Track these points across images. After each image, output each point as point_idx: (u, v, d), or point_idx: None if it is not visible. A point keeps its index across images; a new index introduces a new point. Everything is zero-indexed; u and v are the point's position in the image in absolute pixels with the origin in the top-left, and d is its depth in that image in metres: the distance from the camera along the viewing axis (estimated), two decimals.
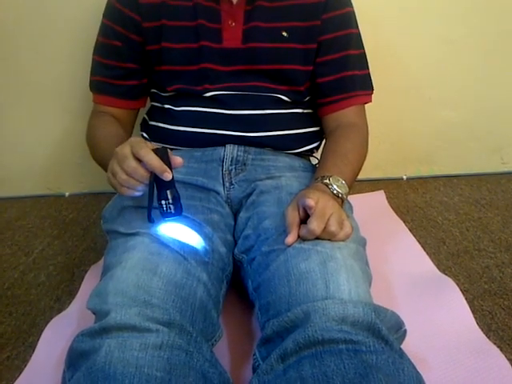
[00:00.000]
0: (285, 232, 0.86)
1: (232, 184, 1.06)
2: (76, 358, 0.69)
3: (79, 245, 1.42)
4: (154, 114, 1.17)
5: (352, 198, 1.06)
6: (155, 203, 0.84)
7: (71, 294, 1.17)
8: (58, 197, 1.77)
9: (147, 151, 0.79)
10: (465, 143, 1.78)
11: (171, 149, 0.85)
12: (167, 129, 1.11)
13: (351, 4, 1.14)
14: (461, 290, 1.09)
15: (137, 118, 1.24)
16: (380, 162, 1.79)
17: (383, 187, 1.71)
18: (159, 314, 0.71)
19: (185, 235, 0.87)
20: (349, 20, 1.13)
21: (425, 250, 1.29)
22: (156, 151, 0.80)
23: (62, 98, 1.63)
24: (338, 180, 0.93)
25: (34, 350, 0.98)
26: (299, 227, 0.84)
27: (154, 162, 0.78)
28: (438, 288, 1.10)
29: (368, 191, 1.68)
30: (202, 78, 1.09)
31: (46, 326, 1.04)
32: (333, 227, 0.81)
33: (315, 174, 1.00)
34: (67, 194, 1.79)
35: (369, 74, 1.17)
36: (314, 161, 1.20)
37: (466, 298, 1.06)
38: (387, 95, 1.58)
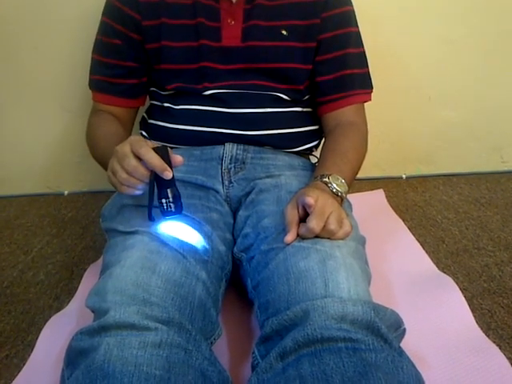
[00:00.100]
0: (284, 230, 0.86)
1: (231, 182, 1.06)
2: (75, 357, 0.69)
3: (78, 243, 1.42)
4: (154, 112, 1.17)
5: (351, 197, 1.06)
6: (155, 202, 0.83)
7: (70, 293, 1.17)
8: (57, 195, 1.77)
9: (147, 150, 0.79)
10: (464, 142, 1.79)
11: (171, 147, 0.84)
12: (166, 127, 1.11)
13: (351, 3, 1.14)
14: (460, 288, 1.09)
15: (136, 116, 1.23)
16: (379, 161, 1.79)
17: (383, 186, 1.71)
18: (158, 313, 0.71)
19: (185, 234, 0.87)
20: (348, 19, 1.13)
21: (424, 248, 1.29)
22: (156, 150, 0.79)
23: (61, 97, 1.63)
24: (338, 179, 0.93)
25: (32, 349, 0.98)
26: (298, 226, 0.84)
27: (155, 160, 0.78)
28: (437, 287, 1.10)
29: (367, 190, 1.69)
30: (201, 77, 1.08)
31: (44, 324, 1.04)
32: (332, 225, 0.81)
33: (314, 173, 1.00)
34: (66, 192, 1.79)
35: (368, 72, 1.17)
36: (314, 159, 1.20)
37: (465, 297, 1.06)
38: (387, 94, 1.58)
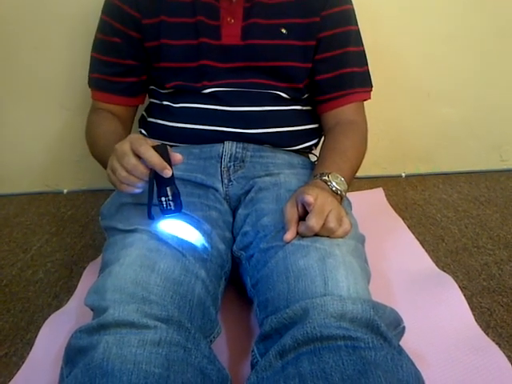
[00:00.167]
0: (283, 229, 0.86)
1: (230, 181, 1.06)
2: (74, 355, 0.69)
3: (77, 242, 1.42)
4: (153, 110, 1.17)
5: (351, 196, 1.06)
6: (155, 200, 0.83)
7: (69, 291, 1.17)
8: (57, 194, 1.77)
9: (147, 148, 0.78)
10: (464, 141, 1.79)
11: (170, 145, 0.84)
12: (166, 125, 1.11)
13: (351, 1, 1.14)
14: (459, 286, 1.09)
15: (136, 114, 1.23)
16: (379, 160, 1.79)
17: (382, 184, 1.71)
18: (157, 311, 0.71)
19: (185, 232, 0.87)
20: (348, 17, 1.13)
21: (423, 247, 1.29)
22: (156, 148, 0.79)
23: (60, 95, 1.63)
24: (337, 177, 0.93)
25: (31, 347, 0.98)
26: (298, 224, 0.84)
27: (154, 158, 0.78)
28: (436, 285, 1.10)
29: (367, 188, 1.69)
30: (200, 75, 1.08)
31: (43, 322, 1.04)
32: (332, 224, 0.81)
33: (314, 171, 1.00)
34: (65, 191, 1.79)
35: (368, 71, 1.17)
36: (313, 158, 1.20)
37: (464, 295, 1.06)
38: (386, 92, 1.58)
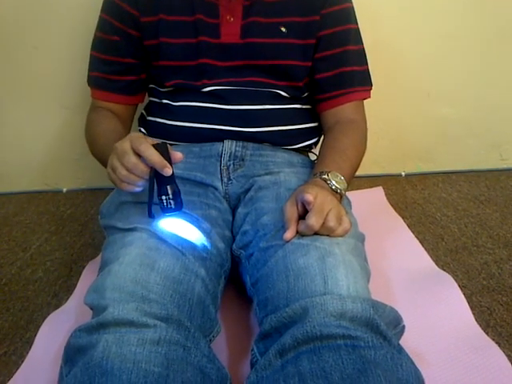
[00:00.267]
0: (283, 228, 0.86)
1: (230, 179, 1.06)
2: (73, 354, 0.69)
3: (77, 240, 1.42)
4: (152, 109, 1.17)
5: (351, 195, 1.06)
6: (155, 199, 0.83)
7: (69, 290, 1.17)
8: (56, 192, 1.77)
9: (147, 146, 0.78)
10: (464, 140, 1.78)
11: (169, 144, 0.84)
12: (165, 124, 1.11)
13: (350, 0, 1.14)
14: (459, 285, 1.09)
15: (135, 113, 1.23)
16: (379, 158, 1.79)
17: (382, 183, 1.71)
18: (157, 310, 0.71)
19: (185, 231, 0.87)
20: (348, 15, 1.13)
21: (423, 246, 1.29)
22: (156, 146, 0.79)
23: (60, 94, 1.62)
24: (337, 176, 0.93)
25: (31, 346, 0.98)
26: (298, 223, 0.84)
27: (154, 157, 0.78)
28: (436, 284, 1.10)
29: (367, 187, 1.69)
30: (200, 74, 1.08)
31: (43, 321, 1.04)
32: (331, 222, 0.81)
33: (314, 170, 1.00)
34: (65, 189, 1.79)
35: (368, 69, 1.17)
36: (313, 156, 1.20)
37: (464, 294, 1.06)
38: (386, 91, 1.58)
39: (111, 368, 0.61)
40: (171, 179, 0.82)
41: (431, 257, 1.24)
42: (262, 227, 0.92)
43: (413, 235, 1.34)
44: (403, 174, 1.82)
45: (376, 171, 1.81)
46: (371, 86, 1.17)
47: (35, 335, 1.00)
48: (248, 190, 1.04)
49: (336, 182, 0.92)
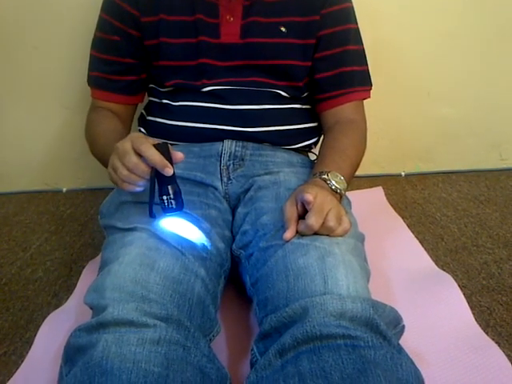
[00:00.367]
0: (283, 227, 0.86)
1: (230, 179, 1.06)
2: (73, 354, 0.69)
3: (77, 240, 1.42)
4: (152, 109, 1.17)
5: (350, 194, 1.06)
6: (156, 199, 0.83)
7: (69, 290, 1.17)
8: (56, 192, 1.77)
9: (148, 146, 0.78)
10: (463, 139, 1.78)
11: (169, 144, 0.84)
12: (165, 124, 1.11)
13: (350, 0, 1.14)
14: (459, 285, 1.09)
15: (135, 113, 1.23)
16: (378, 158, 1.79)
17: (382, 183, 1.71)
18: (157, 309, 0.71)
19: (186, 230, 0.87)
20: (348, 15, 1.13)
21: (423, 245, 1.29)
22: (157, 146, 0.79)
23: (60, 94, 1.62)
24: (337, 176, 0.93)
25: (31, 346, 0.98)
26: (297, 222, 0.84)
27: (155, 157, 0.78)
28: (436, 284, 1.10)
29: (366, 187, 1.68)
30: (200, 73, 1.08)
31: (43, 321, 1.04)
32: (331, 222, 0.81)
33: (313, 170, 1.00)
34: (65, 189, 1.79)
35: (367, 69, 1.17)
36: (313, 156, 1.20)
37: (464, 294, 1.06)
38: (386, 91, 1.58)
39: (111, 368, 0.61)
40: (172, 179, 0.82)
41: (431, 257, 1.24)
42: (262, 227, 0.92)
43: (412, 235, 1.34)
44: (403, 173, 1.82)
45: (376, 171, 1.81)
46: (371, 85, 1.17)
47: (35, 335, 1.00)
48: (248, 190, 1.04)
49: (336, 181, 0.92)
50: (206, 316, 0.80)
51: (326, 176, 0.92)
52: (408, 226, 1.40)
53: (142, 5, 1.06)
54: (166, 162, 0.79)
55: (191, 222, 0.90)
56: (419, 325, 0.97)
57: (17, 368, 0.93)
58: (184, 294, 0.78)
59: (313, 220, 0.80)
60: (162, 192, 0.83)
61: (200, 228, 0.90)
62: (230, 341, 0.96)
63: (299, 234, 0.84)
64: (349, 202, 1.06)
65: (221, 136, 1.07)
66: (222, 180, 1.06)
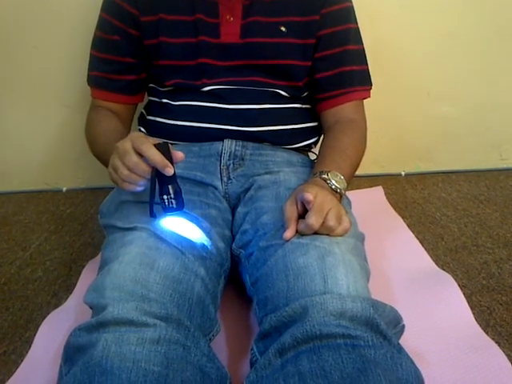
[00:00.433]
0: (283, 227, 0.86)
1: (230, 179, 1.06)
2: (73, 353, 0.69)
3: (77, 240, 1.42)
4: (152, 108, 1.17)
5: (350, 194, 1.06)
6: (157, 198, 0.83)
7: (68, 289, 1.17)
8: (56, 192, 1.77)
9: (149, 146, 0.79)
10: (463, 139, 1.78)
11: (169, 143, 0.84)
12: (165, 123, 1.11)
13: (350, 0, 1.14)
14: (459, 285, 1.09)
15: (135, 112, 1.23)
16: (378, 158, 1.79)
17: (382, 183, 1.71)
18: (156, 309, 0.71)
19: (187, 230, 0.87)
20: (348, 15, 1.13)
21: (423, 245, 1.29)
22: (157, 146, 0.79)
23: (60, 93, 1.62)
24: (337, 175, 0.93)
25: (30, 345, 0.98)
26: (297, 222, 0.84)
27: (156, 156, 0.78)
28: (436, 283, 1.10)
29: (366, 187, 1.68)
30: (199, 73, 1.08)
31: (42, 321, 1.04)
32: (331, 222, 0.81)
33: (313, 170, 1.00)
34: (65, 189, 1.79)
35: (367, 69, 1.17)
36: (313, 156, 1.20)
37: (464, 294, 1.06)
38: (386, 91, 1.58)
39: (111, 367, 0.61)
40: (173, 179, 0.82)
41: (431, 256, 1.24)
42: (262, 226, 0.92)
43: (412, 235, 1.34)
44: (403, 173, 1.82)
45: (376, 171, 1.81)
46: (371, 85, 1.17)
47: (35, 334, 1.00)
48: (248, 190, 1.04)
49: (336, 181, 0.92)
50: (206, 315, 0.80)
51: (326, 175, 0.92)
52: (408, 226, 1.40)
53: (142, 4, 1.06)
54: (167, 161, 0.79)
55: (191, 221, 0.90)
56: (419, 324, 0.97)
57: (16, 367, 0.93)
58: (184, 294, 0.78)
59: (313, 219, 0.80)
60: (163, 191, 0.83)
61: (200, 227, 0.90)
62: (230, 340, 0.96)
63: (299, 233, 0.84)
64: (349, 202, 1.06)
65: (221, 135, 1.07)
66: (221, 179, 1.05)
